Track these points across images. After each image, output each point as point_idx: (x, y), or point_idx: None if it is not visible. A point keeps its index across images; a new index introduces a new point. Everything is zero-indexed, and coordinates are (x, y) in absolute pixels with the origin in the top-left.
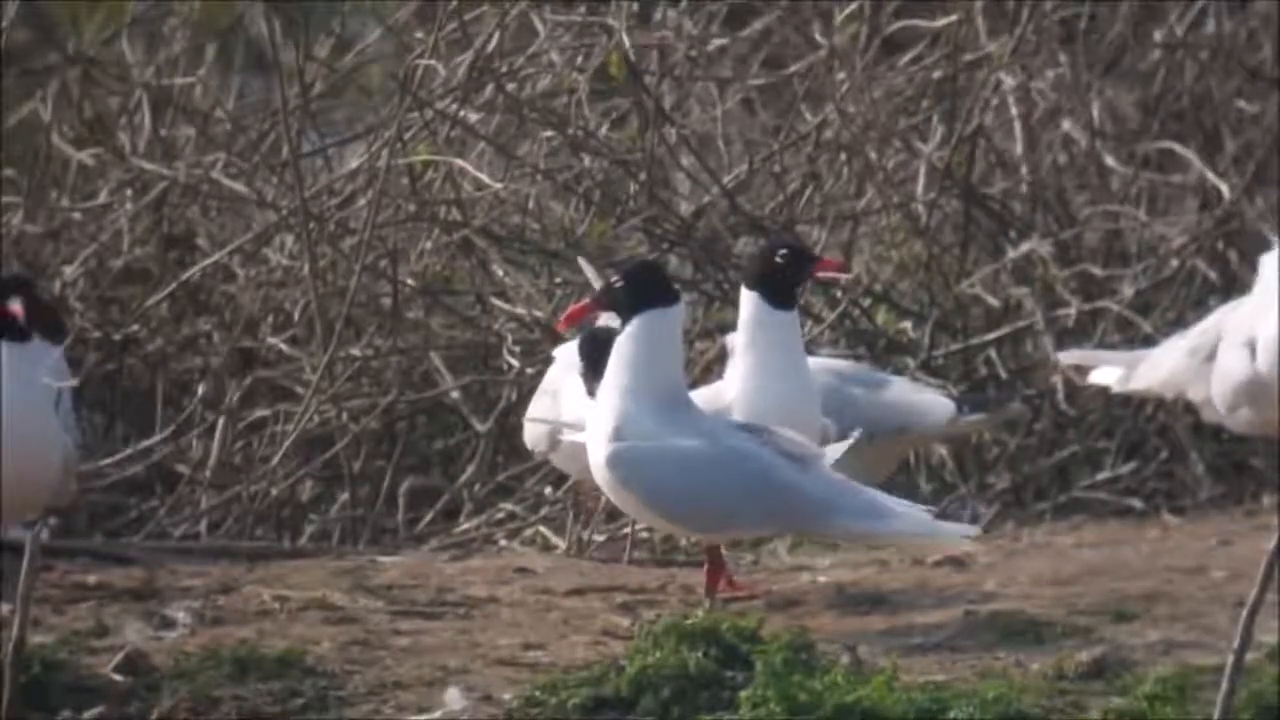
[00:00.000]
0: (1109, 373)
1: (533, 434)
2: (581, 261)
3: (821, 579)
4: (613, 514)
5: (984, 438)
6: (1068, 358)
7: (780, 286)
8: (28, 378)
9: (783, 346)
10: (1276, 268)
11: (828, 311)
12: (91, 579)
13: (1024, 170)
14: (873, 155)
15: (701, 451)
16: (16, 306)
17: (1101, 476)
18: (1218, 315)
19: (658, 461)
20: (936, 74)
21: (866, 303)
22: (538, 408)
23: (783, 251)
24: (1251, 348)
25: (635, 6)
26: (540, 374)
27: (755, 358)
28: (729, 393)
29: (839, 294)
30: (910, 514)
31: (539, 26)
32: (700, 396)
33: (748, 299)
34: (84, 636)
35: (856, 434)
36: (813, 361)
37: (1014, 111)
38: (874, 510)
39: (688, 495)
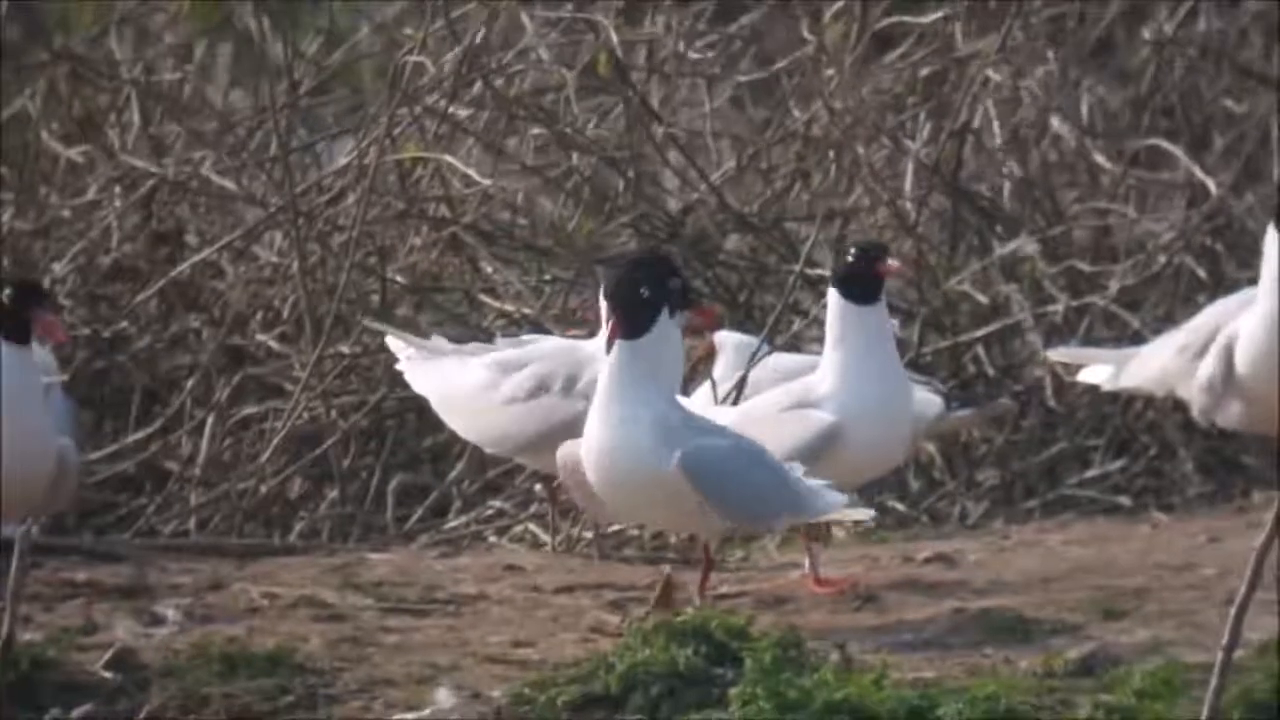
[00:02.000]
0: (1099, 370)
1: (526, 433)
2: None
3: None
4: None
5: (973, 435)
6: (1056, 355)
7: (857, 283)
8: (19, 373)
9: (869, 341)
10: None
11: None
12: (81, 576)
13: (1009, 168)
14: (860, 151)
15: (756, 448)
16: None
17: (1090, 474)
18: (1208, 313)
19: (727, 459)
20: (924, 70)
21: None
22: (538, 413)
23: (853, 249)
24: (1229, 346)
25: (621, 3)
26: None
27: (844, 354)
28: (820, 388)
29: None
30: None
31: (526, 23)
32: (787, 392)
33: (831, 296)
34: (73, 634)
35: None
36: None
37: (992, 109)
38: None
39: (753, 491)
